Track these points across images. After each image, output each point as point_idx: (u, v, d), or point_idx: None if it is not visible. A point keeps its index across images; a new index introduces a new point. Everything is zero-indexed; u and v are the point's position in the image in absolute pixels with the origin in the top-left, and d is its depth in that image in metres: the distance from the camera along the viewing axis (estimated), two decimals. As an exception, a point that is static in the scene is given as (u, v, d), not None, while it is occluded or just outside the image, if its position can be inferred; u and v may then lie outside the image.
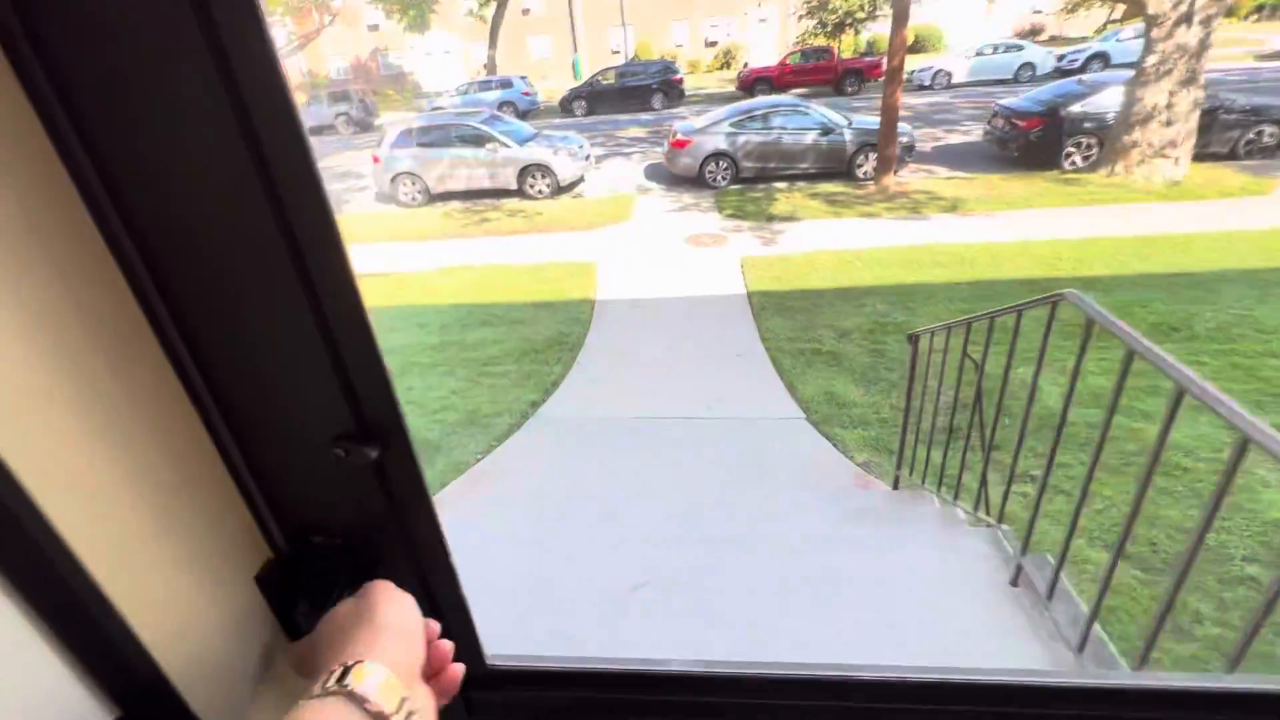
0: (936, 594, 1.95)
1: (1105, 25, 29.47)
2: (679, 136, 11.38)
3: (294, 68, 36.29)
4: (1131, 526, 1.47)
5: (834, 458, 3.92)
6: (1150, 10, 8.54)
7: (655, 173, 12.79)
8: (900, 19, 9.25)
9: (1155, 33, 8.62)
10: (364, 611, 0.42)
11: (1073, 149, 10.54)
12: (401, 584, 0.45)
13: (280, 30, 31.08)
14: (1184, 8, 8.35)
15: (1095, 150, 10.36)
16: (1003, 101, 11.85)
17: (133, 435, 0.38)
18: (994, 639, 1.75)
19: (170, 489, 0.40)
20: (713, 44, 33.81)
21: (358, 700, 0.35)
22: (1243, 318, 5.24)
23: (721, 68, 32.72)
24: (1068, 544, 1.70)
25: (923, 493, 3.01)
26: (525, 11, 34.53)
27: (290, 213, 0.37)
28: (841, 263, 7.35)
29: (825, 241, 8.14)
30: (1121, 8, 28.82)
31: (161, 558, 0.39)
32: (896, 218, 8.96)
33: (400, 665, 0.39)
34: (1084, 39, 27.07)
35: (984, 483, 2.30)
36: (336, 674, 0.36)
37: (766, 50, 33.26)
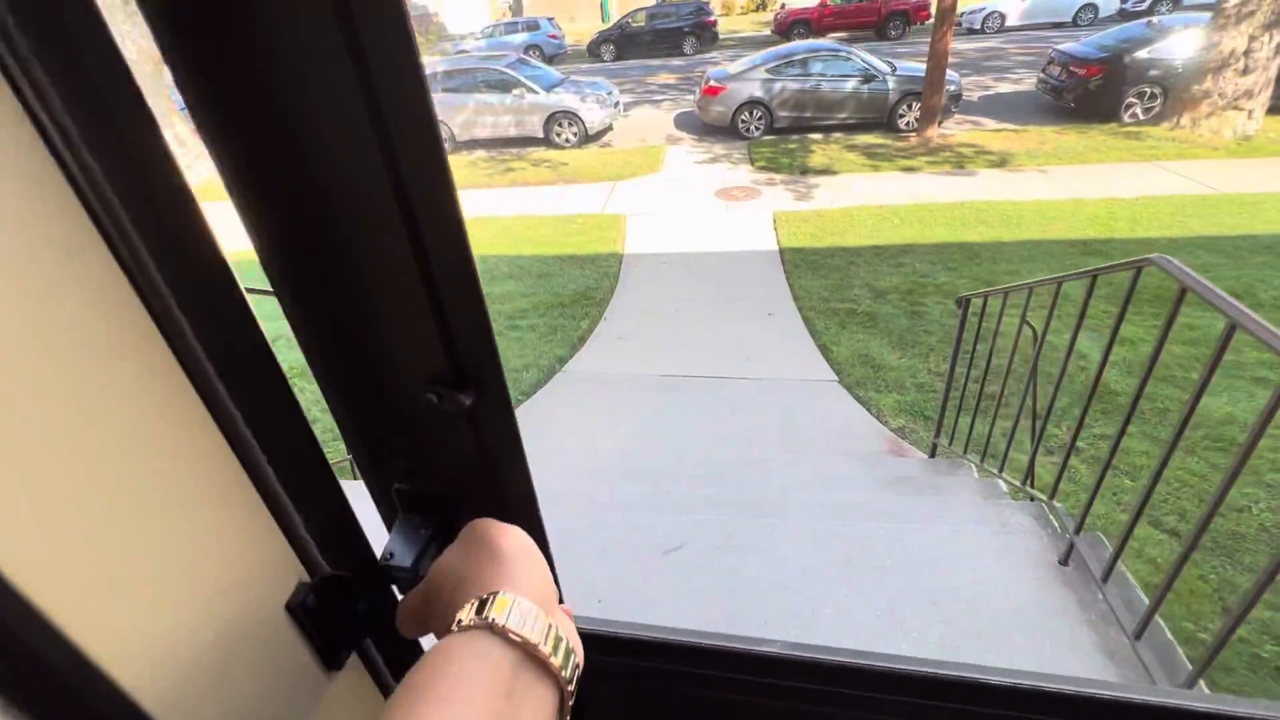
0: (981, 569, 1.88)
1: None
2: (712, 83, 10.90)
3: (317, 8, 35.36)
4: (1215, 510, 1.36)
5: (867, 422, 3.82)
6: (1237, -57, 7.77)
7: (686, 121, 12.34)
8: (956, -47, 8.57)
9: (1243, -32, 7.87)
10: (479, 547, 0.39)
11: (1134, 100, 9.84)
12: None
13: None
14: (1276, -60, 7.57)
15: (1159, 101, 9.66)
16: (1060, 47, 11.06)
17: (122, 448, 0.30)
18: (1043, 619, 1.68)
19: (180, 517, 0.33)
20: (749, -17, 32.06)
21: (500, 632, 0.32)
22: (1313, 286, 4.91)
23: (757, 9, 31.15)
24: (1133, 525, 1.60)
25: (961, 462, 2.91)
26: (553, -52, 33.04)
27: (391, 122, 0.32)
28: (880, 219, 7.05)
29: (863, 196, 7.81)
30: (1198, -58, 26.44)
31: (168, 600, 0.32)
32: (940, 172, 8.54)
33: (536, 590, 0.36)
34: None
35: (1034, 455, 2.19)
36: (472, 607, 0.33)
37: (806, -10, 31.46)
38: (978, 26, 19.47)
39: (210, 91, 0.32)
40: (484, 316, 0.39)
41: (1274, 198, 6.71)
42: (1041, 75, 11.27)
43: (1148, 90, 9.74)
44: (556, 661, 0.33)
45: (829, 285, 5.61)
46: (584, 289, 5.91)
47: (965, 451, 2.82)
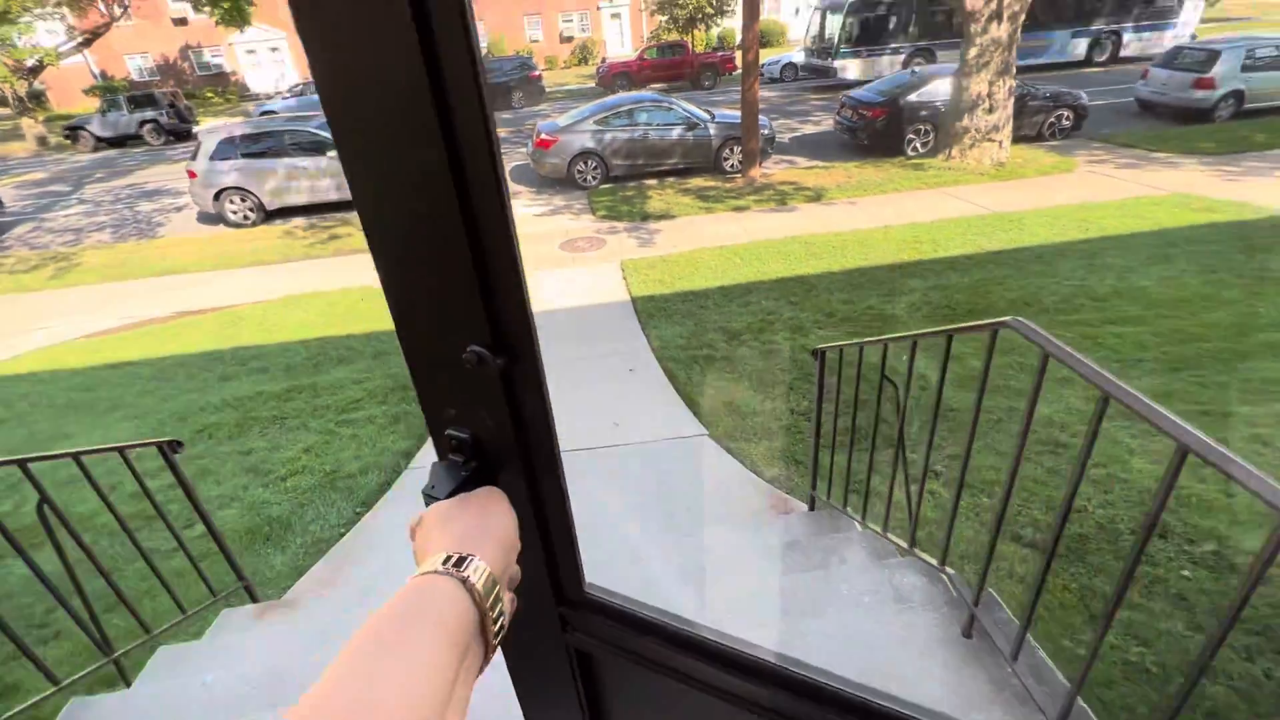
0: (889, 661, 1.73)
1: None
2: (543, 136, 10.86)
3: (79, 70, 31.07)
4: (1137, 571, 1.28)
5: (745, 478, 3.70)
6: (967, 7, 9.28)
7: (522, 174, 12.17)
8: (752, 13, 9.36)
9: (973, 28, 9.39)
10: (478, 515, 0.50)
11: (913, 135, 11.34)
12: (515, 496, 0.55)
13: (57, 24, 26.45)
14: (994, 5, 9.15)
15: (932, 136, 11.21)
16: (850, 93, 12.53)
17: None
18: (960, 709, 1.53)
19: None
20: (568, 39, 33.33)
21: (469, 588, 0.41)
22: (1079, 288, 5.74)
23: (579, 63, 32.38)
24: (1036, 598, 1.52)
25: (842, 514, 2.84)
26: (362, 4, 32.07)
27: (457, 117, 0.42)
28: (722, 260, 7.27)
29: (703, 239, 8.05)
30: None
31: None
32: (767, 209, 9.10)
33: (499, 572, 0.45)
34: (905, 34, 29.75)
35: (915, 522, 2.12)
36: (454, 559, 0.42)
37: (622, 45, 33.38)
38: (776, 76, 21.71)
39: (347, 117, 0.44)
40: (523, 297, 0.50)
41: (1032, 214, 7.92)
42: (837, 118, 12.67)
43: (922, 128, 11.29)
44: (494, 628, 0.42)
45: (685, 332, 5.58)
46: (428, 366, 5.35)
47: (844, 506, 2.75)
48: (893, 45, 18.30)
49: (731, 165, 11.02)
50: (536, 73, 20.66)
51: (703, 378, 4.80)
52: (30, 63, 22.83)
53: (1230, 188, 8.33)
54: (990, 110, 9.80)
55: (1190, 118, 11.99)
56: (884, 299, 5.82)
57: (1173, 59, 12.60)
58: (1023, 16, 9.30)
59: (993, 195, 8.86)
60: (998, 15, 9.19)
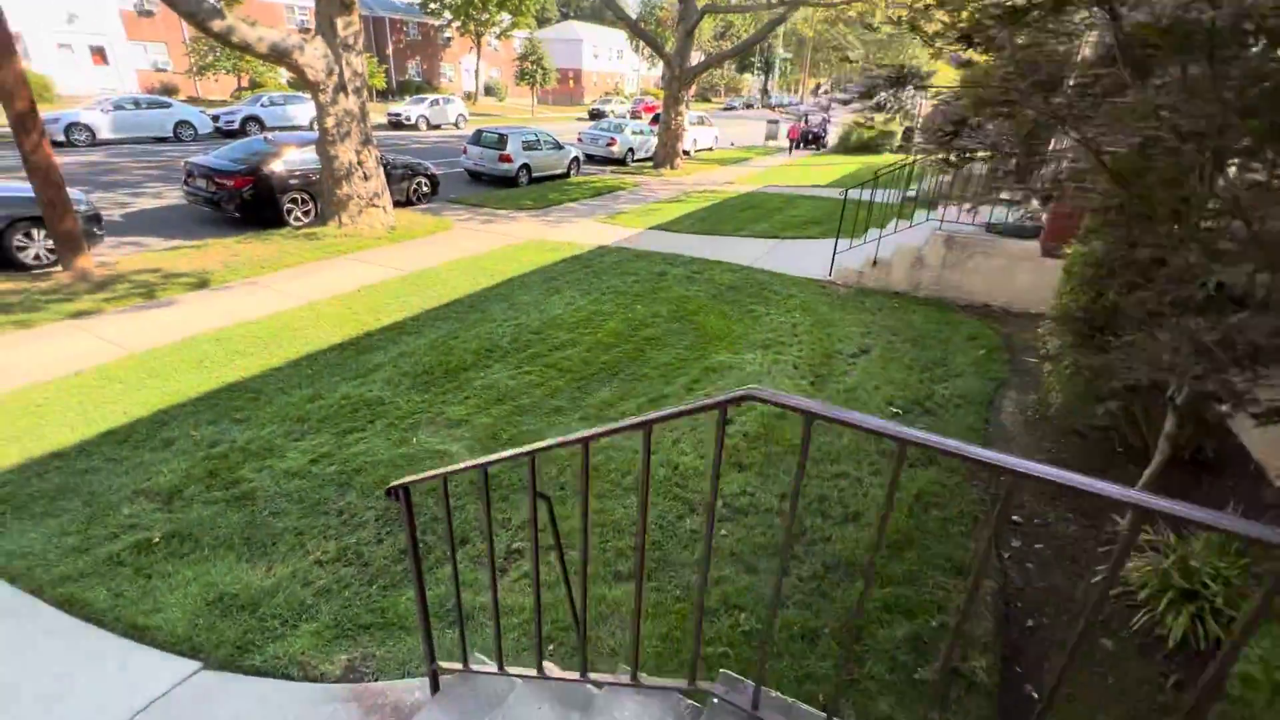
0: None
1: (239, 92, 30.79)
2: None
3: None
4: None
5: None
6: (310, 79, 9.08)
7: None
8: (6, 48, 6.51)
9: (321, 98, 9.28)
10: None
11: (291, 205, 10.51)
12: None
13: None
14: (335, 78, 9.27)
15: (313, 205, 10.65)
16: (193, 160, 10.56)
17: None
18: None
19: None
20: None
21: None
22: (517, 326, 6.46)
23: None
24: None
25: (484, 675, 2.17)
26: None
27: None
28: (81, 393, 4.84)
29: (33, 370, 5.20)
30: (247, 77, 30.74)
31: None
32: (130, 308, 6.68)
33: None
34: (225, 102, 27.68)
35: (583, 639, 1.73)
36: None
37: None
38: (61, 138, 16.51)
39: None
40: None
41: (445, 268, 8.51)
42: (187, 189, 10.52)
43: (299, 196, 10.57)
44: None
45: (69, 525, 3.40)
46: None
47: (501, 664, 2.08)
48: None
49: (36, 256, 7.64)
50: None
51: (135, 586, 3.00)
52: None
53: (555, 231, 11.12)
54: (366, 178, 10.00)
55: (504, 183, 15.48)
56: (356, 382, 5.07)
57: (476, 139, 15.94)
58: (365, 91, 9.79)
59: (400, 256, 9.09)
60: (342, 88, 9.35)
